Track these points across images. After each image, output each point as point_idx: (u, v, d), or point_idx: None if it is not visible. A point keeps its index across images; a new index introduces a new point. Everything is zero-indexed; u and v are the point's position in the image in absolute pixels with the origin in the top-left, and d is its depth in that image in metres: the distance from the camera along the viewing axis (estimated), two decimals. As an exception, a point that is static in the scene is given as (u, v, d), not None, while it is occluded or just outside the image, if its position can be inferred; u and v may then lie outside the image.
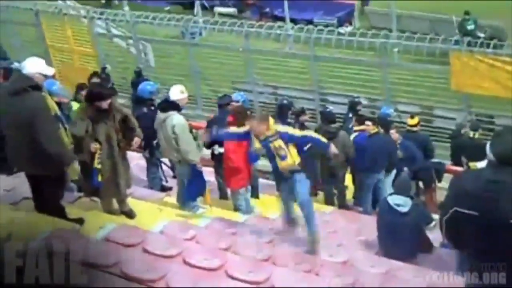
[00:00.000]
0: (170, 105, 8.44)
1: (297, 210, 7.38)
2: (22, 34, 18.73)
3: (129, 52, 18.32)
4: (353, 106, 11.94)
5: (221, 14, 23.04)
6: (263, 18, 22.30)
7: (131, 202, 7.70)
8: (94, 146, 6.99)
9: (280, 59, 16.10)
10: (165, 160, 9.88)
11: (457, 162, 10.87)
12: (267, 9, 23.81)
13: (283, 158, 7.09)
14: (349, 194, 10.70)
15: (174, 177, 9.75)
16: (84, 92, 9.98)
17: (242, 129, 7.66)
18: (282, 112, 11.00)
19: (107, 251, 5.82)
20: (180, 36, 18.14)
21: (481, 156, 5.87)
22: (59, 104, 9.14)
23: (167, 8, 24.16)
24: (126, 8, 21.74)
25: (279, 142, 7.06)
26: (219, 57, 16.59)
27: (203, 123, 10.73)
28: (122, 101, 13.00)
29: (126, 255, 5.80)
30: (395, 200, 7.58)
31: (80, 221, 6.65)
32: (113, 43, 18.90)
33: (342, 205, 10.36)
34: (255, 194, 9.66)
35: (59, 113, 6.47)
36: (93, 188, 7.22)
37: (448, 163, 11.23)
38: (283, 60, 16.11)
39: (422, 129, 11.91)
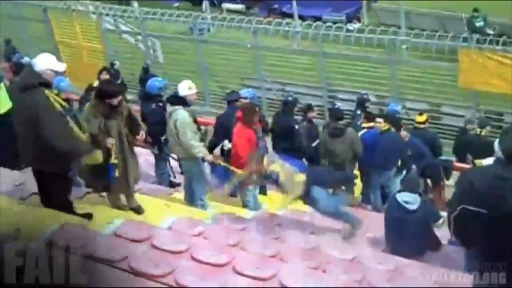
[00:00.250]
0: (177, 100, 8.49)
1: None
2: (31, 30, 18.80)
3: (138, 48, 18.35)
4: (361, 103, 11.91)
5: (230, 11, 23.03)
6: (271, 14, 22.28)
7: (139, 198, 7.72)
8: (110, 141, 7.03)
9: (288, 56, 16.09)
10: (174, 155, 9.90)
11: (461, 159, 10.83)
12: (275, 6, 23.78)
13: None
14: (357, 191, 10.69)
15: (182, 173, 9.76)
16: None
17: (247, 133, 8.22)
18: (288, 109, 11.01)
19: (115, 246, 5.84)
20: (188, 32, 18.14)
21: (486, 153, 5.87)
22: (67, 100, 9.22)
23: (176, 4, 24.18)
24: (135, 4, 21.77)
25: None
26: (227, 54, 16.59)
27: (211, 119, 10.75)
28: (130, 97, 13.02)
29: (134, 250, 5.82)
30: (403, 197, 7.55)
31: (88, 216, 6.69)
32: (121, 39, 18.92)
33: (349, 202, 10.35)
34: (263, 190, 9.66)
35: (67, 107, 6.46)
36: (102, 184, 7.23)
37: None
38: (291, 56, 16.10)
39: (430, 126, 11.87)
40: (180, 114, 8.33)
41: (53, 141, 6.13)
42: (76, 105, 10.52)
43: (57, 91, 8.47)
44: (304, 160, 10.86)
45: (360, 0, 23.06)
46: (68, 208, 6.66)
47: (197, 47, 16.77)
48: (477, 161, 9.11)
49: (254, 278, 5.62)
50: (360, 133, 10.34)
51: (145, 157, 10.19)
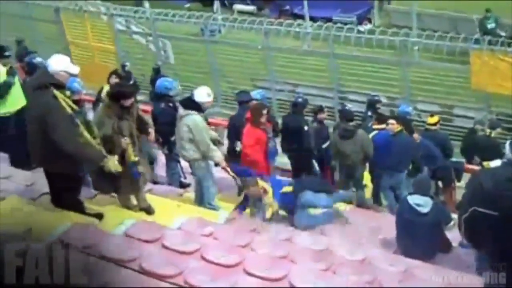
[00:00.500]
0: (192, 104, 8.45)
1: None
2: (43, 30, 18.86)
3: (149, 49, 18.37)
4: (372, 104, 11.88)
5: (241, 12, 23.03)
6: (282, 15, 22.25)
7: (149, 198, 7.74)
8: (125, 141, 7.06)
9: (299, 57, 16.07)
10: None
11: (469, 160, 10.78)
12: (287, 7, 23.76)
13: None
14: (368, 192, 10.67)
15: (192, 173, 9.78)
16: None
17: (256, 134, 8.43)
18: (297, 110, 11.01)
19: (126, 247, 5.85)
20: (199, 33, 18.16)
21: (495, 155, 5.86)
22: (79, 101, 9.25)
23: (187, 5, 24.21)
24: (147, 5, 21.81)
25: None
26: (238, 55, 16.58)
27: (222, 120, 10.77)
28: (141, 98, 13.05)
29: (145, 250, 5.82)
30: (415, 200, 7.52)
31: (99, 216, 6.71)
32: (133, 40, 18.96)
33: (360, 204, 10.34)
34: None
35: (77, 110, 6.47)
36: (109, 186, 7.24)
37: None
38: (302, 57, 16.08)
39: (442, 128, 11.84)
40: (194, 119, 8.33)
41: (59, 143, 6.15)
42: (89, 106, 10.57)
43: (70, 92, 8.59)
44: (314, 161, 10.90)
45: (371, 0, 23.01)
46: (78, 208, 6.68)
47: (208, 48, 16.77)
48: (485, 163, 9.08)
49: (264, 279, 5.60)
50: (371, 134, 10.33)
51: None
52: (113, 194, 7.55)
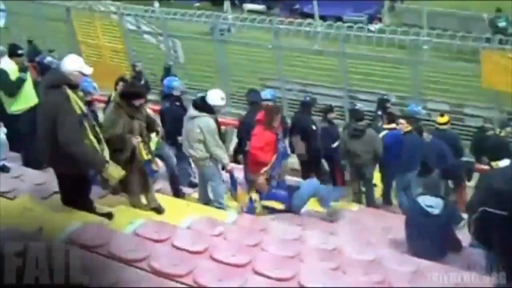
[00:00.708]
0: (205, 106, 8.44)
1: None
2: (53, 30, 18.93)
3: (159, 49, 18.40)
4: (381, 103, 11.87)
5: (251, 11, 23.05)
6: (292, 15, 22.26)
7: (159, 198, 7.75)
8: (137, 140, 7.08)
9: (309, 56, 16.05)
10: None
11: (478, 158, 10.73)
12: (297, 6, 23.78)
13: None
14: (378, 192, 10.66)
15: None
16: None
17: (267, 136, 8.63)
18: (306, 109, 11.00)
19: (135, 246, 5.87)
20: (209, 32, 18.18)
21: (504, 154, 5.83)
22: (90, 102, 9.30)
23: (197, 4, 24.26)
24: (156, 4, 21.86)
25: None
26: (248, 54, 16.56)
27: (232, 120, 10.78)
28: (152, 97, 13.07)
29: (154, 250, 5.84)
30: (426, 201, 7.42)
31: (109, 215, 6.73)
32: (143, 39, 19.00)
33: (370, 203, 10.33)
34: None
35: (85, 113, 6.49)
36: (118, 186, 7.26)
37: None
38: (312, 57, 16.05)
39: (453, 127, 11.81)
40: (207, 122, 8.33)
41: (63, 143, 6.17)
42: (100, 105, 10.61)
43: (83, 93, 8.66)
44: (323, 161, 10.90)
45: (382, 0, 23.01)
46: (88, 207, 6.70)
47: (217, 47, 16.77)
48: (493, 163, 9.04)
49: (273, 278, 5.61)
50: (382, 134, 10.31)
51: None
52: (123, 193, 7.56)
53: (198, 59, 17.64)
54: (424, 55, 15.30)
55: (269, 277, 5.61)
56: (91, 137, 6.38)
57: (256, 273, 5.67)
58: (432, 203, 7.36)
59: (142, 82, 13.88)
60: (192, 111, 8.50)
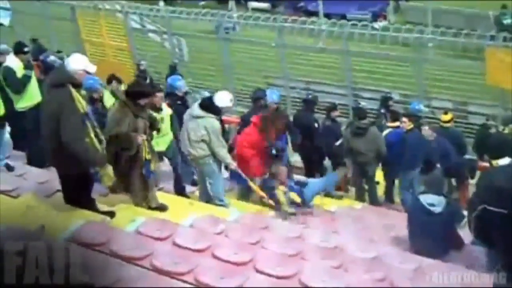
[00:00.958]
0: (211, 107, 8.40)
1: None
2: (58, 28, 18.98)
3: (164, 47, 18.43)
4: (384, 101, 11.87)
5: (255, 9, 23.06)
6: (296, 13, 22.26)
7: (162, 196, 7.77)
8: (142, 138, 7.11)
9: (313, 54, 16.05)
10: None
11: (480, 156, 10.72)
12: (301, 4, 23.78)
13: None
14: (380, 190, 10.65)
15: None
16: (115, 84, 10.19)
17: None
18: (308, 107, 11.01)
19: (137, 244, 5.88)
20: (214, 31, 18.19)
21: (505, 152, 5.80)
22: (96, 100, 9.34)
23: (202, 3, 24.27)
24: (161, 3, 21.89)
25: None
26: (253, 52, 16.57)
27: (235, 118, 10.79)
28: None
29: (156, 248, 5.85)
30: (428, 199, 7.42)
31: (111, 214, 6.75)
32: (147, 38, 19.04)
33: (373, 201, 10.33)
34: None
35: (88, 110, 6.52)
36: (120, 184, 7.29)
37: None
38: (316, 55, 16.05)
39: (457, 125, 11.79)
40: (212, 123, 8.30)
41: (65, 141, 6.21)
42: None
43: (89, 90, 8.71)
44: (327, 159, 10.91)
45: (387, -1, 23.01)
46: (91, 206, 6.73)
47: (222, 45, 16.79)
48: (493, 161, 9.01)
49: (275, 276, 5.61)
50: (385, 132, 10.32)
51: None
52: (124, 192, 7.57)
53: (203, 57, 17.66)
54: (428, 53, 15.27)
55: (270, 275, 5.61)
56: (92, 136, 6.41)
57: (258, 271, 5.68)
58: (434, 201, 7.36)
59: (147, 81, 13.89)
60: (197, 111, 8.42)
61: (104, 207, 6.94)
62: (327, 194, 10.00)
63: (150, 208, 7.35)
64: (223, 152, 8.43)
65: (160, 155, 8.52)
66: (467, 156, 10.98)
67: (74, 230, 5.96)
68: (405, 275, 6.13)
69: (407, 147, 9.96)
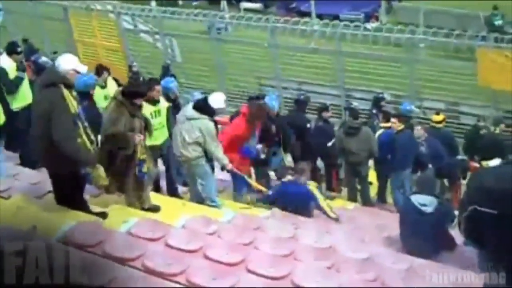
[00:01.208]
0: (206, 109, 8.36)
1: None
2: (50, 29, 18.94)
3: (156, 48, 18.42)
4: (376, 102, 11.90)
5: (247, 10, 23.06)
6: (289, 13, 22.28)
7: (154, 197, 7.76)
8: (138, 138, 7.11)
9: (306, 55, 16.08)
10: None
11: (471, 158, 10.74)
12: (294, 5, 23.79)
13: None
14: (373, 190, 10.67)
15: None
16: (106, 75, 10.18)
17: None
18: (299, 108, 11.02)
19: (129, 245, 5.87)
20: (206, 31, 18.19)
21: (495, 153, 5.81)
22: (91, 96, 9.33)
23: (194, 3, 24.26)
24: (153, 3, 21.86)
25: None
26: (245, 53, 16.59)
27: (227, 118, 10.76)
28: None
29: (148, 249, 5.84)
30: (419, 199, 7.45)
31: (103, 215, 6.74)
32: (140, 38, 19.01)
33: (365, 202, 10.35)
34: None
35: (79, 111, 6.51)
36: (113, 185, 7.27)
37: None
38: (309, 55, 16.08)
39: (448, 126, 11.82)
40: (207, 124, 8.25)
41: (57, 141, 6.20)
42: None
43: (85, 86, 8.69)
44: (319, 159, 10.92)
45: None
46: (82, 207, 6.72)
47: (214, 46, 16.79)
48: (483, 162, 9.00)
49: (267, 277, 5.61)
50: (378, 133, 10.34)
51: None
52: (118, 193, 7.55)
53: (195, 58, 17.66)
54: (420, 54, 15.32)
55: (262, 276, 5.61)
56: (84, 137, 6.40)
57: (250, 271, 5.68)
58: (425, 202, 7.39)
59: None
60: (191, 112, 8.36)
61: (96, 208, 6.93)
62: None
63: (143, 209, 7.33)
64: (219, 153, 8.39)
65: (155, 155, 8.48)
66: (459, 157, 11.00)
67: (66, 231, 5.95)
68: (397, 275, 6.14)
69: (397, 148, 9.99)
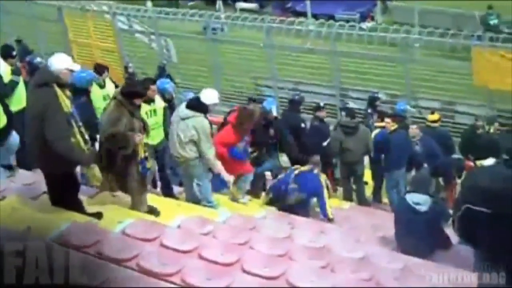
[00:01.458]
0: (199, 106, 8.34)
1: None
2: (45, 29, 18.91)
3: (151, 48, 18.40)
4: (371, 101, 11.91)
5: (243, 10, 23.06)
6: (285, 13, 22.28)
7: (149, 197, 7.72)
8: (139, 137, 7.10)
9: (301, 55, 16.09)
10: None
11: (467, 157, 10.77)
12: (289, 5, 23.79)
13: None
14: (368, 190, 10.68)
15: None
16: (106, 74, 10.16)
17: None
18: (294, 107, 11.02)
19: (124, 245, 5.87)
20: (202, 31, 18.18)
21: (490, 152, 5.83)
22: (88, 92, 9.32)
23: (190, 3, 24.25)
24: (149, 4, 21.84)
25: None
26: (241, 53, 16.59)
27: (221, 118, 10.75)
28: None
29: (143, 249, 5.84)
30: (413, 198, 7.47)
31: (98, 215, 6.73)
32: (135, 39, 18.99)
33: (361, 201, 10.36)
34: None
35: (72, 110, 6.50)
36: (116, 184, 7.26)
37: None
38: (304, 55, 16.09)
39: (444, 125, 11.83)
40: (201, 122, 8.22)
41: (51, 141, 6.18)
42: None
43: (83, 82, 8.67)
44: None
45: (374, -1, 23.06)
46: (77, 207, 6.70)
47: (210, 46, 16.78)
48: (478, 162, 9.03)
49: (262, 277, 5.62)
50: (374, 133, 10.36)
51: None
52: (114, 193, 7.53)
53: (191, 58, 17.65)
54: (415, 53, 15.33)
55: (257, 276, 5.62)
56: (78, 136, 6.39)
57: (245, 271, 5.68)
58: (419, 200, 7.40)
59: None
60: (185, 112, 8.33)
61: (91, 209, 6.91)
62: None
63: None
64: (211, 155, 8.33)
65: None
66: (454, 156, 11.02)
67: (61, 231, 5.94)
68: (391, 274, 6.15)
69: (392, 147, 10.01)
